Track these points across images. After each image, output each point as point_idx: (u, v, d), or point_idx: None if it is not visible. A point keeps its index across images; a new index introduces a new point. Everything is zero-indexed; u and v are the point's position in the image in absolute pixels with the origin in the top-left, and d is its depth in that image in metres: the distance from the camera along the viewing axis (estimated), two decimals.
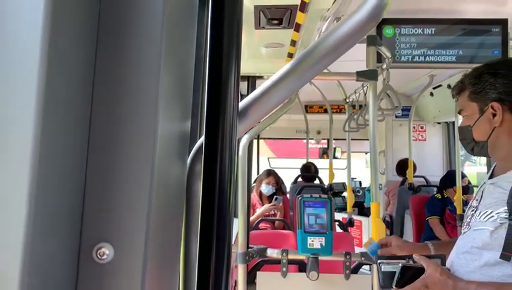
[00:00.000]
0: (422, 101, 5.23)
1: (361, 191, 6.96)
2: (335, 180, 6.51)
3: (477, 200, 1.32)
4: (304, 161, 6.18)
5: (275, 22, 1.34)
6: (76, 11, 0.39)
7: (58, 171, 0.35)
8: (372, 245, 1.35)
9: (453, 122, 4.80)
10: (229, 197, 0.48)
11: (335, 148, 7.88)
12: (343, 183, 6.43)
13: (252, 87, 2.13)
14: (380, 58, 2.52)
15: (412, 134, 5.16)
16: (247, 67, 2.04)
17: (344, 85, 4.06)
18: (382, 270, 1.30)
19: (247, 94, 2.78)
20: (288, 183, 5.95)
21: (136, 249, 0.36)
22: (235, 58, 0.52)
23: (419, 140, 5.49)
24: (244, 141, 1.95)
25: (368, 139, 6.66)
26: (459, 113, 1.43)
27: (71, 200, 0.36)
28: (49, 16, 0.35)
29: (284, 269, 1.99)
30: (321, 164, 6.89)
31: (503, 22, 2.73)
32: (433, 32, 2.78)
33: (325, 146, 7.81)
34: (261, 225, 3.95)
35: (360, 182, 7.98)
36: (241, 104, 0.60)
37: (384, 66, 2.46)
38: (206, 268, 0.45)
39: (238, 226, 2.00)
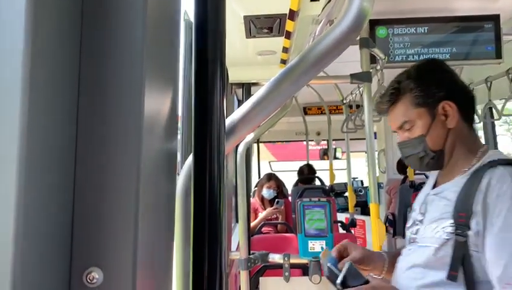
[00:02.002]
0: None
1: (363, 191, 6.97)
2: (337, 181, 6.52)
3: (421, 213, 1.18)
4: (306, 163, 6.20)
5: (265, 30, 1.36)
6: (58, 12, 0.39)
7: (46, 198, 0.36)
8: (329, 257, 1.22)
9: None
10: (220, 213, 0.50)
11: (335, 149, 7.89)
12: (345, 184, 6.43)
13: (247, 93, 2.14)
14: (374, 59, 2.53)
15: None
16: (242, 74, 2.05)
17: (341, 86, 4.08)
18: (328, 265, 1.18)
19: (243, 100, 2.80)
20: (290, 186, 5.96)
21: (125, 272, 0.37)
22: (219, 74, 0.52)
23: None
24: (241, 147, 1.96)
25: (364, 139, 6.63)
26: (400, 128, 1.21)
27: (60, 226, 0.37)
28: (31, 17, 0.35)
29: (287, 273, 1.99)
30: (323, 165, 6.90)
31: (495, 18, 2.74)
32: (426, 31, 2.79)
33: (326, 147, 7.82)
34: (264, 229, 3.96)
35: (361, 182, 7.98)
36: (234, 114, 0.61)
37: (378, 67, 2.47)
38: (201, 286, 0.46)
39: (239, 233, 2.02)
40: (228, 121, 0.60)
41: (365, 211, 6.26)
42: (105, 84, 0.43)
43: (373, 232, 1.99)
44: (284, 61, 1.77)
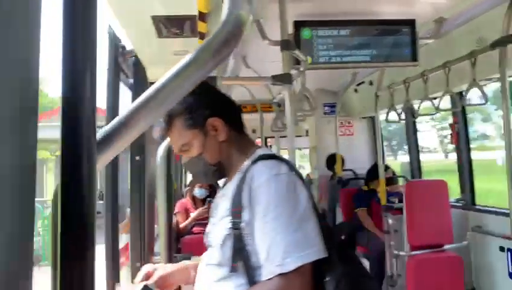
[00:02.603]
0: (348, 98, 5.44)
1: None
2: None
3: (212, 217, 1.27)
4: None
5: (177, 31, 1.33)
6: None
7: None
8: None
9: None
10: (91, 227, 0.47)
11: (270, 146, 8.01)
12: None
13: None
14: (299, 61, 2.58)
15: (339, 129, 5.37)
16: (161, 73, 1.99)
17: (271, 85, 4.12)
18: None
19: None
20: None
21: None
22: (89, 80, 0.49)
23: (347, 135, 5.71)
24: (161, 149, 1.91)
25: (300, 136, 6.82)
26: (180, 151, 1.28)
27: None
28: None
29: None
30: None
31: (411, 23, 2.89)
32: (348, 34, 2.89)
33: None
34: (195, 229, 3.92)
35: None
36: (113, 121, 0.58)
37: (302, 68, 2.52)
38: None
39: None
40: (107, 128, 0.57)
41: None
42: None
43: None
44: None
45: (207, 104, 1.24)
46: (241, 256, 1.09)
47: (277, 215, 1.05)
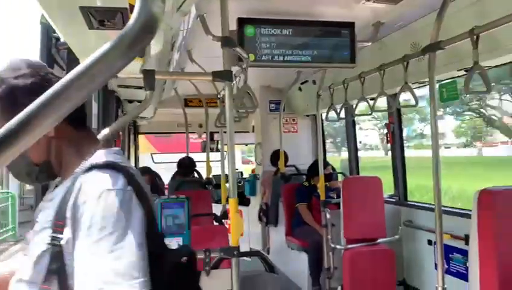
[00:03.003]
0: (293, 96, 5.55)
1: (242, 182, 7.18)
2: (217, 173, 6.58)
3: (36, 221, 1.07)
4: (191, 155, 6.15)
5: (108, 23, 1.30)
6: None
7: None
8: None
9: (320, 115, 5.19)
10: None
11: (217, 141, 7.99)
12: (227, 175, 6.55)
13: (104, 86, 2.02)
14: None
15: (283, 126, 5.46)
16: None
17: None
18: None
19: (98, 92, 2.66)
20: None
21: None
22: None
23: (291, 132, 5.83)
24: None
25: (247, 132, 6.84)
26: None
27: None
28: None
29: None
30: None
31: (351, 25, 3.00)
32: (290, 33, 2.95)
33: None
34: None
35: (241, 173, 8.23)
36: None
37: (244, 65, 2.54)
38: None
39: None
40: None
41: (243, 202, 6.46)
42: None
43: (232, 226, 2.05)
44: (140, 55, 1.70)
45: (32, 90, 0.99)
46: (55, 278, 0.93)
47: (101, 238, 0.89)
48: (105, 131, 1.92)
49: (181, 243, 1.91)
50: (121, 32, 0.61)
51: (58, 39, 1.89)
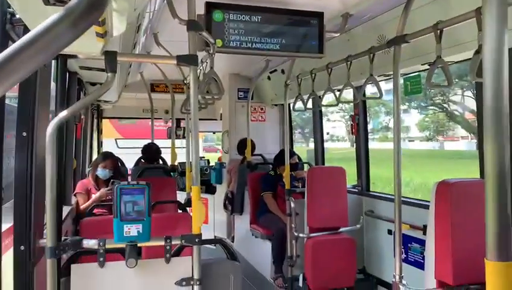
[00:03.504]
0: (261, 84, 5.54)
1: (208, 170, 7.13)
2: (183, 160, 6.49)
3: None
4: (156, 142, 6.05)
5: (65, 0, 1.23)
6: None
7: None
8: None
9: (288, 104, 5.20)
10: None
11: (183, 128, 7.89)
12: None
13: (62, 66, 1.94)
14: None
15: (252, 115, 5.45)
16: None
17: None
18: None
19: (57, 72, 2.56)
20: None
21: None
22: None
23: (259, 120, 5.82)
24: (51, 127, 1.78)
25: (215, 120, 6.77)
26: None
27: None
28: None
29: (101, 259, 1.92)
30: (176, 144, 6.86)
31: (320, 15, 2.99)
32: (259, 20, 2.91)
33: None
34: (97, 211, 3.75)
35: (208, 161, 8.17)
36: None
37: (211, 51, 2.50)
38: None
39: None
40: None
41: (209, 190, 6.43)
42: None
43: (193, 214, 2.02)
44: (101, 35, 1.64)
45: None
46: None
47: None
48: (63, 113, 1.85)
49: (141, 231, 1.87)
50: (68, 5, 0.58)
51: (13, 14, 1.79)
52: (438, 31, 2.14)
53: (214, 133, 9.60)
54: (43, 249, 1.93)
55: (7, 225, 1.96)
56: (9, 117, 1.97)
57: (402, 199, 2.42)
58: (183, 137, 8.15)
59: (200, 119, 4.64)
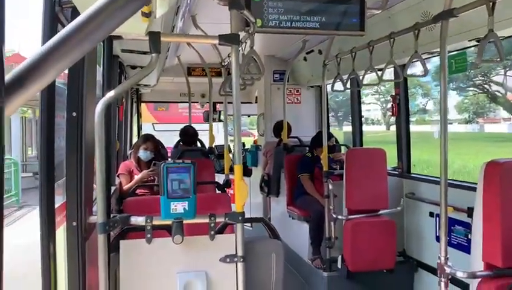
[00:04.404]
0: (297, 66, 5.48)
1: (244, 153, 7.17)
2: (220, 143, 6.55)
3: None
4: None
5: None
6: None
7: None
8: None
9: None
10: None
11: (220, 112, 7.95)
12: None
13: (108, 48, 1.98)
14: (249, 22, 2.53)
15: (287, 97, 5.41)
16: None
17: (221, 48, 4.04)
18: None
19: (103, 54, 2.61)
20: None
21: None
22: None
23: (295, 103, 5.78)
24: (99, 106, 1.83)
25: (250, 103, 6.79)
26: None
27: None
28: None
29: (149, 235, 1.97)
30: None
31: None
32: None
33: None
34: (139, 191, 3.86)
35: (243, 144, 8.21)
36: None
37: (251, 30, 2.48)
38: None
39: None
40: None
41: (245, 173, 6.48)
42: None
43: (236, 192, 2.04)
44: (146, 15, 1.65)
45: None
46: None
47: None
48: (111, 94, 1.89)
49: (187, 208, 1.91)
50: None
51: None
52: (491, 3, 2.03)
53: (248, 116, 9.62)
54: (93, 225, 2.01)
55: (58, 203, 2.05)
56: (58, 98, 2.04)
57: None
58: (219, 120, 8.22)
59: (229, 103, 4.65)
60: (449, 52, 3.09)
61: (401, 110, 3.97)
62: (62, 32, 0.56)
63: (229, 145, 4.32)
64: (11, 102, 0.51)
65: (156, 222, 1.97)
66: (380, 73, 3.25)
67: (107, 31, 0.58)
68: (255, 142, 6.96)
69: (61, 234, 1.99)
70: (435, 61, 3.37)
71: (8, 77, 0.52)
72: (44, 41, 1.75)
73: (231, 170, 4.19)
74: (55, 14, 1.82)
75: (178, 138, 5.65)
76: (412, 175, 4.00)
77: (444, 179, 2.32)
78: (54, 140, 1.82)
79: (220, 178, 4.58)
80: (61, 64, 0.57)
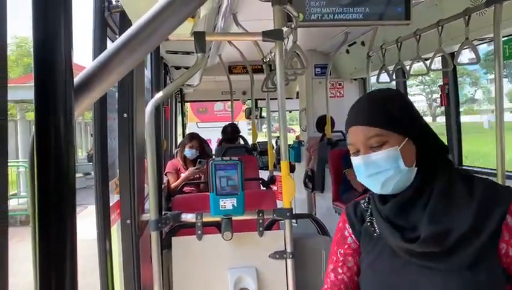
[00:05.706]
0: (339, 59, 5.38)
1: None
2: (262, 140, 6.56)
3: None
4: (237, 123, 6.20)
5: None
6: None
7: None
8: None
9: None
10: (70, 187, 0.44)
11: (261, 108, 7.97)
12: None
13: (156, 49, 2.02)
14: (291, 17, 2.51)
15: (329, 91, 5.34)
16: None
17: (262, 45, 4.04)
18: None
19: (151, 55, 2.67)
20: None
21: None
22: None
23: (337, 97, 5.69)
24: (149, 106, 1.88)
25: (291, 98, 6.76)
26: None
27: None
28: None
29: (199, 231, 2.01)
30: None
31: None
32: None
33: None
34: (186, 189, 3.94)
35: None
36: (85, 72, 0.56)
37: (293, 25, 2.46)
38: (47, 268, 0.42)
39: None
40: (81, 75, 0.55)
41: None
42: None
43: (284, 188, 2.04)
44: (192, 15, 1.68)
45: None
46: None
47: None
48: (159, 94, 1.94)
49: (235, 204, 1.93)
50: None
51: (110, 2, 1.90)
52: None
53: (290, 112, 9.58)
54: (146, 223, 2.07)
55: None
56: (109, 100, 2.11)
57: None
58: (261, 117, 8.24)
59: (275, 99, 4.66)
60: (502, 37, 2.93)
61: (450, 100, 3.81)
62: (121, 39, 0.58)
63: (276, 141, 4.32)
64: (79, 104, 0.53)
65: (205, 219, 2.00)
66: (427, 62, 3.13)
67: (163, 35, 0.59)
68: (297, 137, 6.92)
69: (115, 231, 2.06)
70: (483, 48, 3.21)
71: (76, 80, 0.54)
72: (95, 45, 1.81)
73: (274, 166, 4.20)
74: (104, 19, 1.88)
75: (218, 133, 5.73)
76: (465, 167, 3.84)
77: (500, 171, 2.21)
78: (107, 142, 1.89)
79: (262, 174, 4.59)
80: (122, 68, 0.59)
